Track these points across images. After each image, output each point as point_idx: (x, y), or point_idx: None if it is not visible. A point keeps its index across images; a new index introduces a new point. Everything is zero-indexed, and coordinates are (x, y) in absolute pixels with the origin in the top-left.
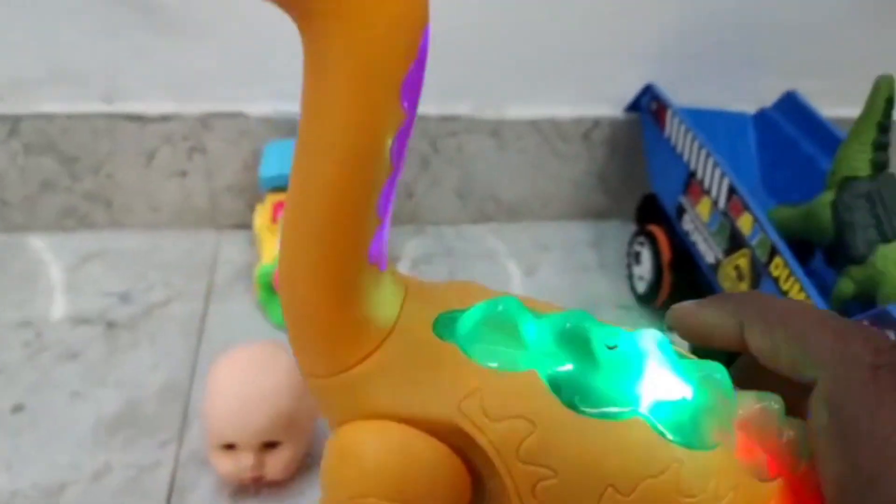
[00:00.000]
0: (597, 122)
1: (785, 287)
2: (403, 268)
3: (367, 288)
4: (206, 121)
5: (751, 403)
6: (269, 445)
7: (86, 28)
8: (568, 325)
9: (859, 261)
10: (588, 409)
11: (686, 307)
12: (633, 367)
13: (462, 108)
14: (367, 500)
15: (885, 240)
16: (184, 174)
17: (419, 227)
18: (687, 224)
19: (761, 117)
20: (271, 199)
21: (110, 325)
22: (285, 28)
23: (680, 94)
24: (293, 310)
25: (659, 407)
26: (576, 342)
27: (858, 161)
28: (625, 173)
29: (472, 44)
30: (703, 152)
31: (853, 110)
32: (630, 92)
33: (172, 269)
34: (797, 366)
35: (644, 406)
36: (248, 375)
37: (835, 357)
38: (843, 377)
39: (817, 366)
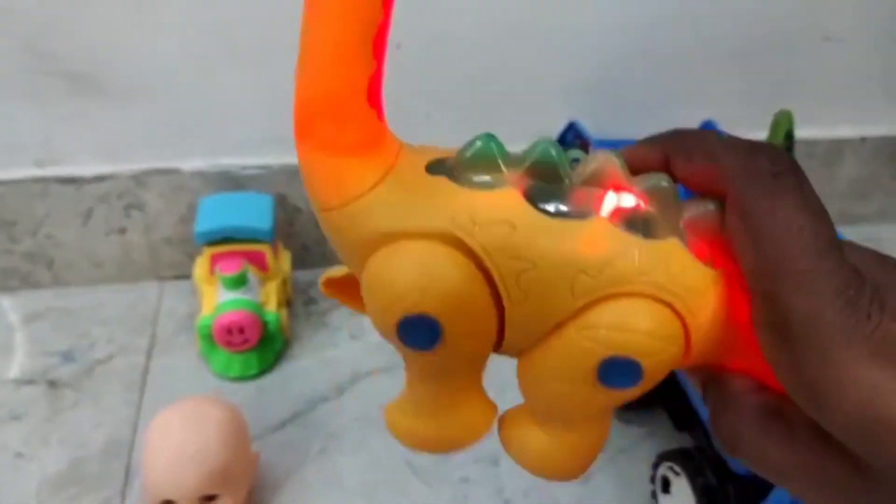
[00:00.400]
0: None
1: None
2: (347, 310)
3: (370, 122)
4: (140, 178)
5: (697, 205)
6: (207, 499)
7: (16, 97)
8: (536, 151)
9: None
10: (558, 213)
11: (627, 148)
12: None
13: None
14: (412, 313)
15: None
16: (122, 231)
17: None
18: None
19: None
20: (208, 251)
21: (53, 384)
22: (214, 85)
23: (608, 127)
24: (311, 143)
25: (618, 211)
26: (544, 164)
27: None
28: None
29: (405, 89)
30: None
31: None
32: (558, 127)
33: (115, 324)
34: (714, 182)
35: (605, 210)
36: (182, 432)
37: (742, 170)
38: (748, 186)
39: (729, 179)
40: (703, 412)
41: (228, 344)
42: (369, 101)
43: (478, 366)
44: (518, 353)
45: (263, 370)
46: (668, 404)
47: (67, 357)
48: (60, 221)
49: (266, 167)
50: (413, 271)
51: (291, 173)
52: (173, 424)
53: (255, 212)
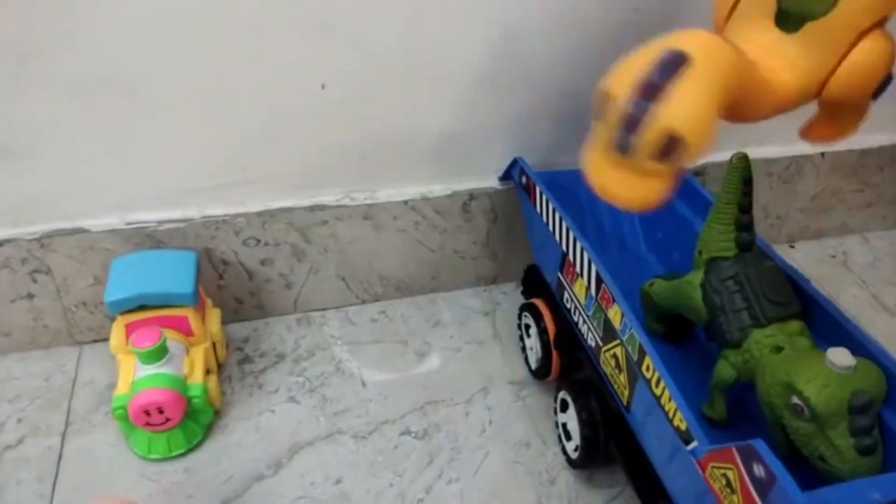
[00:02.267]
0: (472, 195)
1: (656, 391)
2: (284, 368)
3: None
4: (44, 241)
5: None
6: None
7: None
8: None
9: (734, 345)
10: None
11: None
12: None
13: (328, 197)
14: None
15: (758, 324)
16: (30, 296)
17: (303, 316)
18: (567, 302)
19: None
20: (122, 320)
21: None
22: (119, 136)
23: (556, 157)
24: None
25: None
26: None
27: (723, 241)
28: (511, 238)
29: (335, 131)
30: (572, 236)
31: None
32: (503, 162)
33: (26, 400)
34: None
35: None
36: None
37: None
38: None
39: None
40: (668, 484)
41: (148, 425)
42: None
43: None
44: None
45: (191, 448)
46: (634, 478)
47: None
48: None
49: (186, 220)
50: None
51: (215, 225)
52: None
53: (174, 273)
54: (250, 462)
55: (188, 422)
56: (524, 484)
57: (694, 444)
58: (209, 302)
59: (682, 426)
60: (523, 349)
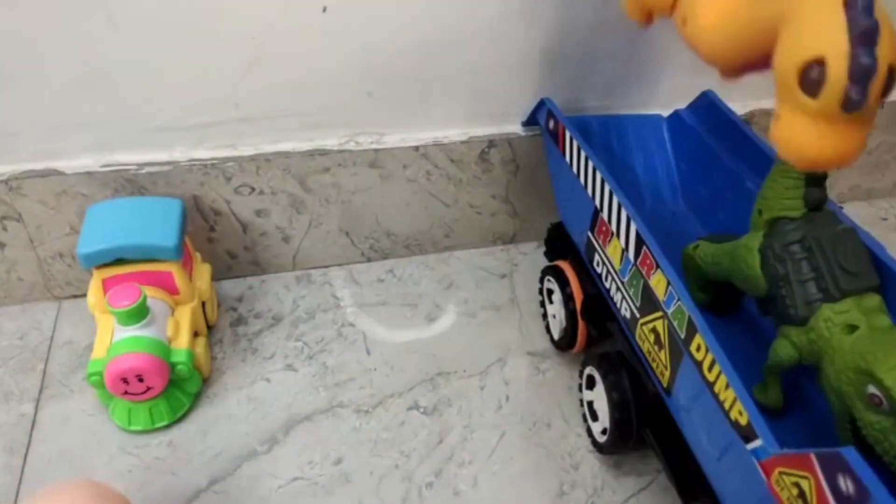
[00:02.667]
0: (491, 142)
1: (709, 376)
2: (282, 331)
3: None
4: (13, 184)
5: None
6: None
7: None
8: None
9: (799, 322)
10: None
11: None
12: None
13: (330, 140)
14: None
15: (829, 298)
16: (1, 246)
17: (303, 274)
18: (598, 266)
19: (676, 120)
20: (98, 275)
21: None
22: (96, 57)
23: (586, 101)
24: None
25: None
26: None
27: (789, 198)
28: (533, 192)
29: (337, 63)
30: (607, 189)
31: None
32: (528, 105)
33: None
34: None
35: None
36: None
37: None
38: None
39: None
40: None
41: (126, 394)
42: None
43: None
44: None
45: (176, 419)
46: (674, 471)
47: None
48: None
49: (172, 163)
50: None
51: (203, 169)
52: None
53: (157, 223)
54: (242, 437)
55: (173, 390)
56: (545, 469)
57: (757, 444)
58: (198, 256)
59: (743, 420)
60: (545, 317)
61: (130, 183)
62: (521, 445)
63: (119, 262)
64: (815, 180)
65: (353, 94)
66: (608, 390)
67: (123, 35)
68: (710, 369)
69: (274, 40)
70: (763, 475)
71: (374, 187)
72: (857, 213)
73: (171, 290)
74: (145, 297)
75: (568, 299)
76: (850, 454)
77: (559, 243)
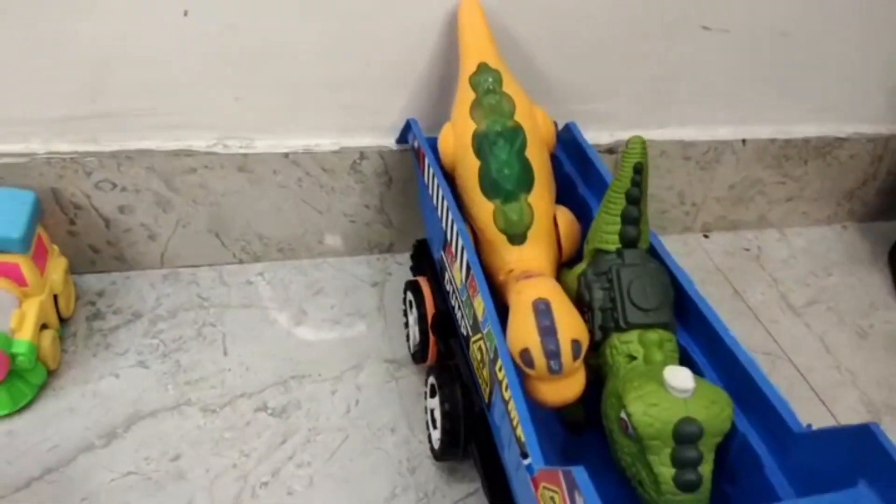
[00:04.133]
0: (363, 154)
1: (505, 395)
2: (139, 328)
3: None
4: None
5: None
6: None
7: None
8: None
9: (594, 346)
10: None
11: None
12: None
13: (198, 142)
14: None
15: (618, 328)
16: None
17: (170, 272)
18: (448, 284)
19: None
20: None
21: None
22: None
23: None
24: None
25: None
26: None
27: (607, 233)
28: (408, 205)
29: (201, 64)
30: (449, 216)
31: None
32: (400, 120)
33: None
34: None
35: None
36: None
37: None
38: None
39: None
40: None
41: None
42: None
43: None
44: None
45: (17, 409)
46: (488, 481)
47: None
48: None
49: (29, 155)
50: None
51: (62, 163)
52: None
53: (4, 215)
54: (81, 430)
55: (14, 381)
56: (381, 472)
57: (529, 461)
58: (55, 250)
59: (521, 438)
60: (406, 326)
61: None
62: (363, 449)
63: None
64: (630, 219)
65: (219, 98)
66: (441, 401)
67: None
68: (506, 389)
69: (133, 39)
70: (532, 488)
71: (243, 191)
72: (722, 242)
73: (19, 282)
74: None
75: (422, 314)
76: (579, 473)
77: (422, 259)
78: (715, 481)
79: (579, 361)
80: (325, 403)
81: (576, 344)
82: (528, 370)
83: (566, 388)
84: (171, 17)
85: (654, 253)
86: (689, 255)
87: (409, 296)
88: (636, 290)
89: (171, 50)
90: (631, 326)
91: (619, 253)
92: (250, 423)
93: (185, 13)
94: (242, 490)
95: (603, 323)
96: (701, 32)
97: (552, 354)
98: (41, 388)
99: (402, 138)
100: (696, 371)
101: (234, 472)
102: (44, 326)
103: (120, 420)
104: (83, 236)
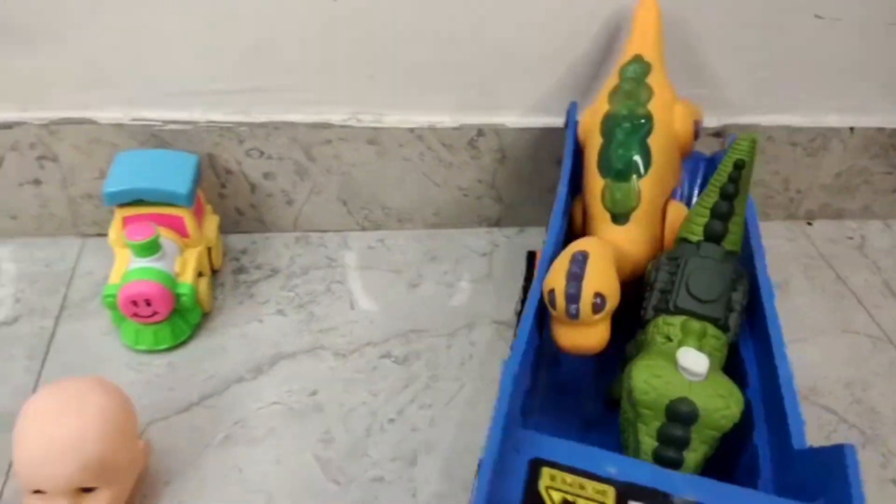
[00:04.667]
0: (480, 131)
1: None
2: (277, 282)
3: None
4: (52, 128)
5: None
6: (85, 490)
7: None
8: None
9: (643, 323)
10: None
11: None
12: None
13: (335, 116)
14: None
15: (667, 311)
16: (37, 182)
17: (302, 235)
18: None
19: (713, 161)
20: (119, 213)
21: None
22: (137, 27)
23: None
24: None
25: None
26: None
27: (694, 224)
28: (518, 181)
29: (343, 47)
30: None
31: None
32: (510, 101)
33: (26, 282)
34: None
35: None
36: (57, 418)
37: None
38: None
39: None
40: None
41: (136, 316)
42: None
43: None
44: None
45: (178, 344)
46: None
47: None
48: None
49: (192, 123)
50: None
51: (219, 131)
52: (49, 408)
53: (173, 173)
54: (232, 365)
55: (176, 318)
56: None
57: None
58: (209, 208)
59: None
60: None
61: (155, 137)
62: (477, 397)
63: (139, 203)
64: (719, 214)
65: (356, 76)
66: None
67: (152, 6)
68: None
69: (285, 22)
70: None
71: (371, 163)
72: (825, 230)
73: (182, 233)
74: (158, 235)
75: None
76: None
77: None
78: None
79: (601, 315)
80: (442, 355)
81: (599, 297)
82: (552, 310)
83: (583, 337)
84: (321, 3)
85: (747, 259)
86: (793, 241)
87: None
88: (696, 279)
89: (316, 33)
90: (679, 311)
91: (698, 244)
92: (376, 368)
93: None
94: (372, 424)
95: (657, 303)
96: (813, 21)
97: (572, 298)
98: (197, 328)
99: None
100: (741, 380)
101: (364, 409)
102: (200, 274)
103: (265, 359)
104: (231, 199)
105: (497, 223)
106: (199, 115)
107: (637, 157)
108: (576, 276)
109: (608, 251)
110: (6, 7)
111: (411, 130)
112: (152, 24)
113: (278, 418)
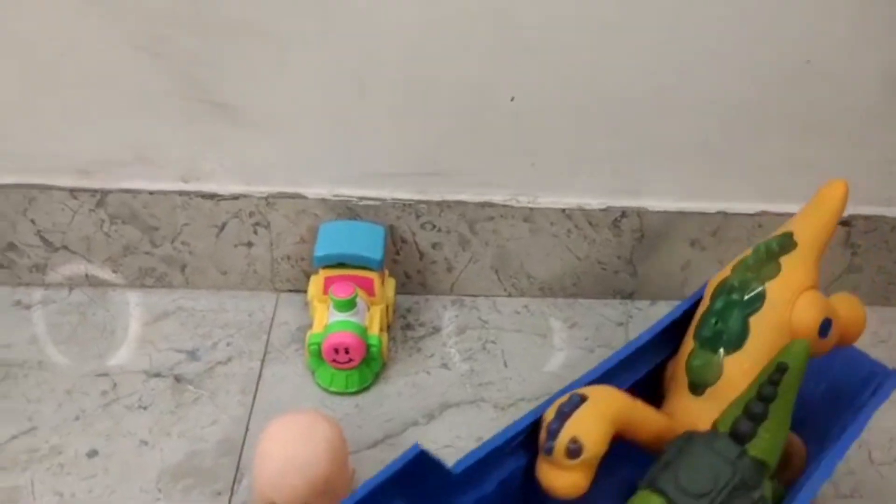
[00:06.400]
0: (624, 213)
1: None
2: (439, 339)
3: None
4: (270, 200)
5: None
6: None
7: (171, 118)
8: None
9: (635, 488)
10: None
11: None
12: None
13: (498, 197)
14: None
15: (652, 486)
16: (249, 244)
17: (457, 298)
18: None
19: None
20: (323, 273)
21: (178, 379)
22: (342, 122)
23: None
24: None
25: None
26: None
27: (728, 413)
28: (652, 258)
29: (514, 139)
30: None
31: None
32: (653, 187)
33: (234, 328)
34: None
35: None
36: (292, 442)
37: None
38: None
39: None
40: None
41: (334, 361)
42: None
43: None
44: None
45: (363, 388)
46: None
47: (192, 355)
48: (196, 231)
49: (380, 199)
50: None
51: (401, 207)
52: (288, 434)
53: (368, 241)
54: (408, 410)
55: (364, 366)
56: None
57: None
58: (387, 272)
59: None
60: None
61: (350, 210)
62: None
63: (339, 265)
64: (751, 415)
65: (520, 163)
66: None
67: (368, 103)
68: None
69: (472, 117)
70: None
71: (524, 237)
72: None
73: (370, 293)
74: (357, 293)
75: None
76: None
77: None
78: None
79: (576, 462)
80: None
81: (574, 442)
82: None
83: (555, 477)
84: (498, 101)
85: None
86: None
87: None
88: (689, 465)
89: (491, 126)
90: (658, 492)
91: (719, 434)
92: None
93: (512, 98)
94: None
95: (650, 474)
96: None
97: (551, 435)
98: (377, 376)
99: None
100: None
101: None
102: (380, 329)
103: (435, 406)
104: (402, 264)
105: (630, 296)
106: (386, 193)
107: (730, 331)
108: (562, 415)
109: (613, 405)
110: (243, 101)
111: (563, 210)
112: (362, 120)
113: (451, 461)
